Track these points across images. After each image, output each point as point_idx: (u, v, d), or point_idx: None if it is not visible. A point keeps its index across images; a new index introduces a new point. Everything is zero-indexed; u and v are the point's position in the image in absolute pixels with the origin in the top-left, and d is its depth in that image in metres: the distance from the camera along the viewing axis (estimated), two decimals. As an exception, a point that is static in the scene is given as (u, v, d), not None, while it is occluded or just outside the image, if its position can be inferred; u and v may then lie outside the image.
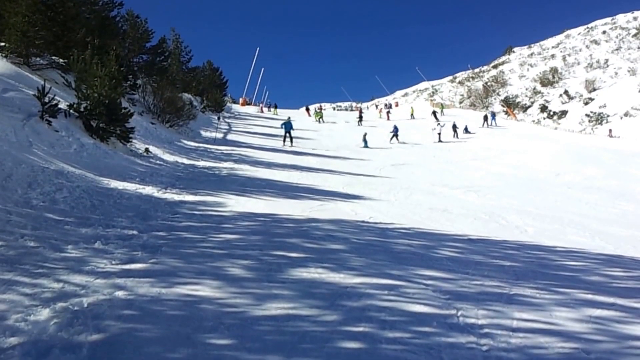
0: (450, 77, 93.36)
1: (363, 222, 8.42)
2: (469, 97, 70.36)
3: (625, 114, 41.72)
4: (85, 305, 3.92)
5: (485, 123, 38.93)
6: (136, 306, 4.00)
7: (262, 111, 55.13)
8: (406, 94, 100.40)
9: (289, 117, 27.36)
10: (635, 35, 65.91)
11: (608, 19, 78.95)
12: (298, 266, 5.37)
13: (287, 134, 25.59)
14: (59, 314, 3.71)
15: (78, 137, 12.70)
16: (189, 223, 7.43)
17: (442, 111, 47.14)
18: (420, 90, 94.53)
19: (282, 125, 26.08)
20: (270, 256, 5.71)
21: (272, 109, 55.66)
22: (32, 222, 6.02)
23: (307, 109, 50.40)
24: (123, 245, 5.76)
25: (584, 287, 5.11)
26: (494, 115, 41.79)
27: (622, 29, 71.02)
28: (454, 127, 33.15)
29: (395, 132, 30.21)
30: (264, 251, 5.89)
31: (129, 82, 25.20)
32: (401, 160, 21.88)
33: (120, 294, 4.22)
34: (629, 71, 53.71)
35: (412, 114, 48.43)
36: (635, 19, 72.83)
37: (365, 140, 27.55)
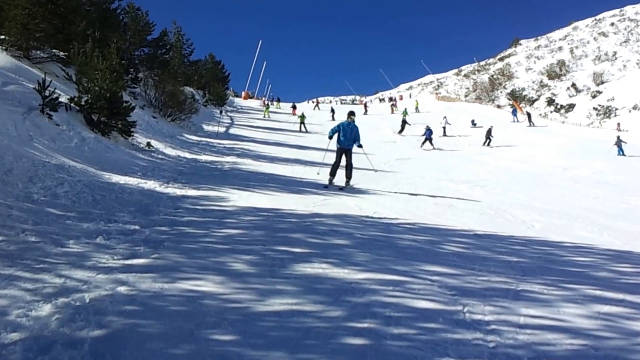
0: (456, 70, 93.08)
1: (367, 217, 8.35)
2: (474, 91, 70.17)
3: (634, 107, 41.40)
4: (87, 300, 3.88)
5: (530, 122, 36.90)
6: (138, 302, 3.96)
7: (264, 105, 55.24)
8: (411, 87, 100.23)
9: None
10: None
11: (616, 11, 78.35)
12: (302, 261, 5.32)
13: None
14: (61, 309, 3.67)
15: (79, 131, 12.66)
16: (192, 218, 7.39)
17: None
18: (425, 83, 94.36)
19: None
20: (273, 251, 5.66)
21: (274, 103, 55.79)
22: (33, 217, 5.98)
23: (294, 107, 49.55)
24: (125, 240, 5.72)
25: (592, 283, 5.05)
26: (514, 111, 40.04)
27: (631, 20, 70.39)
28: (489, 133, 28.12)
29: (429, 136, 26.39)
30: (267, 246, 5.84)
31: (130, 76, 25.16)
32: (406, 154, 21.85)
33: (122, 289, 4.18)
34: (637, 64, 53.28)
35: (417, 108, 48.39)
36: None
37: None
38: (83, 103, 14.15)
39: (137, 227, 6.43)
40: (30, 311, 3.59)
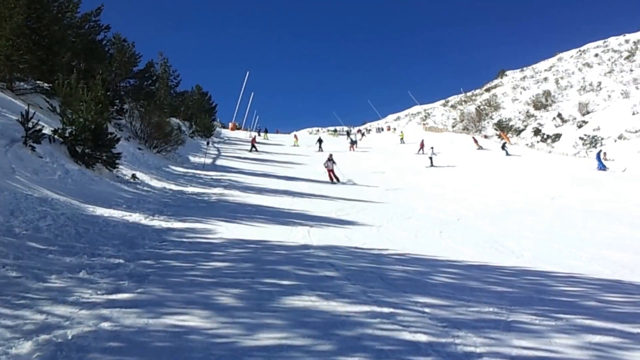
0: (443, 101, 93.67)
1: (356, 248, 8.31)
2: (461, 121, 70.72)
3: (620, 137, 41.91)
4: (70, 337, 3.76)
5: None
6: (122, 338, 3.84)
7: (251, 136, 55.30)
8: (398, 118, 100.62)
9: None
10: (627, 57, 66.54)
11: (600, 42, 79.75)
12: (290, 294, 5.23)
13: None
14: (42, 346, 3.54)
15: (63, 163, 12.53)
16: (177, 251, 7.27)
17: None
18: (412, 114, 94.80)
19: None
20: (261, 284, 5.57)
21: (262, 134, 55.73)
22: (14, 251, 5.84)
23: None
24: (109, 275, 5.59)
25: (582, 313, 5.02)
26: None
27: (615, 51, 71.70)
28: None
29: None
30: (255, 279, 5.76)
31: (115, 107, 25.11)
32: (394, 185, 21.89)
33: (105, 325, 4.06)
34: (622, 94, 54.05)
35: (402, 139, 48.42)
36: (627, 41, 73.53)
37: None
38: (67, 135, 14.04)
39: (121, 260, 6.31)
40: (10, 349, 3.47)
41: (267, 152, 36.51)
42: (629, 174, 26.95)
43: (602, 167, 28.77)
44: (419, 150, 37.15)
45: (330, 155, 24.13)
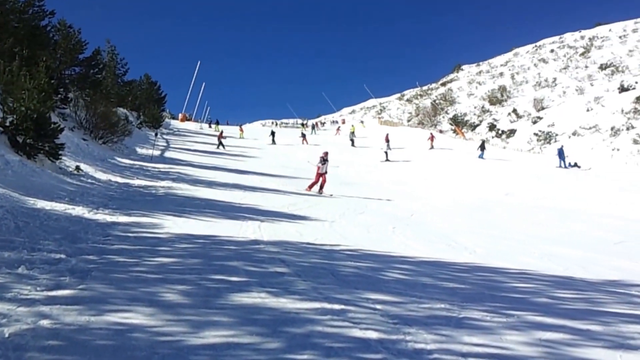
0: (399, 95, 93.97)
1: (308, 243, 8.30)
2: (417, 115, 71.41)
3: (574, 133, 43.07)
4: (6, 335, 3.60)
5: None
6: (62, 336, 3.70)
7: (201, 127, 54.59)
8: (353, 111, 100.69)
9: None
10: (582, 54, 68.35)
11: (556, 38, 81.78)
12: (239, 291, 5.17)
13: None
14: (-24, 346, 3.37)
15: (2, 153, 12.01)
16: (122, 246, 7.07)
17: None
18: (368, 107, 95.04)
19: None
20: (209, 280, 5.48)
21: (213, 125, 55.09)
22: (-54, 246, 5.54)
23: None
24: (49, 270, 5.37)
25: (533, 310, 5.15)
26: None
27: (570, 47, 73.58)
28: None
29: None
30: (203, 275, 5.66)
31: (59, 96, 24.21)
32: (348, 180, 21.99)
33: (45, 322, 3.90)
34: (577, 90, 55.52)
35: (352, 133, 47.32)
36: (582, 37, 75.51)
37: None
38: (7, 124, 13.47)
39: (62, 255, 6.08)
40: (-61, 350, 3.29)
41: (215, 144, 36.00)
42: (586, 172, 27.82)
43: (564, 165, 29.09)
44: (385, 144, 35.73)
45: (326, 153, 17.93)
